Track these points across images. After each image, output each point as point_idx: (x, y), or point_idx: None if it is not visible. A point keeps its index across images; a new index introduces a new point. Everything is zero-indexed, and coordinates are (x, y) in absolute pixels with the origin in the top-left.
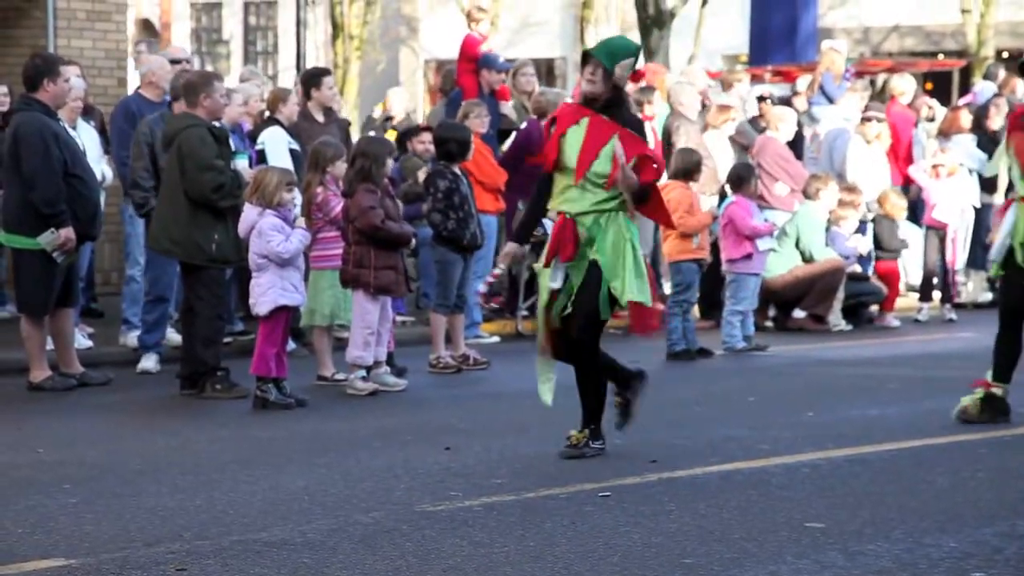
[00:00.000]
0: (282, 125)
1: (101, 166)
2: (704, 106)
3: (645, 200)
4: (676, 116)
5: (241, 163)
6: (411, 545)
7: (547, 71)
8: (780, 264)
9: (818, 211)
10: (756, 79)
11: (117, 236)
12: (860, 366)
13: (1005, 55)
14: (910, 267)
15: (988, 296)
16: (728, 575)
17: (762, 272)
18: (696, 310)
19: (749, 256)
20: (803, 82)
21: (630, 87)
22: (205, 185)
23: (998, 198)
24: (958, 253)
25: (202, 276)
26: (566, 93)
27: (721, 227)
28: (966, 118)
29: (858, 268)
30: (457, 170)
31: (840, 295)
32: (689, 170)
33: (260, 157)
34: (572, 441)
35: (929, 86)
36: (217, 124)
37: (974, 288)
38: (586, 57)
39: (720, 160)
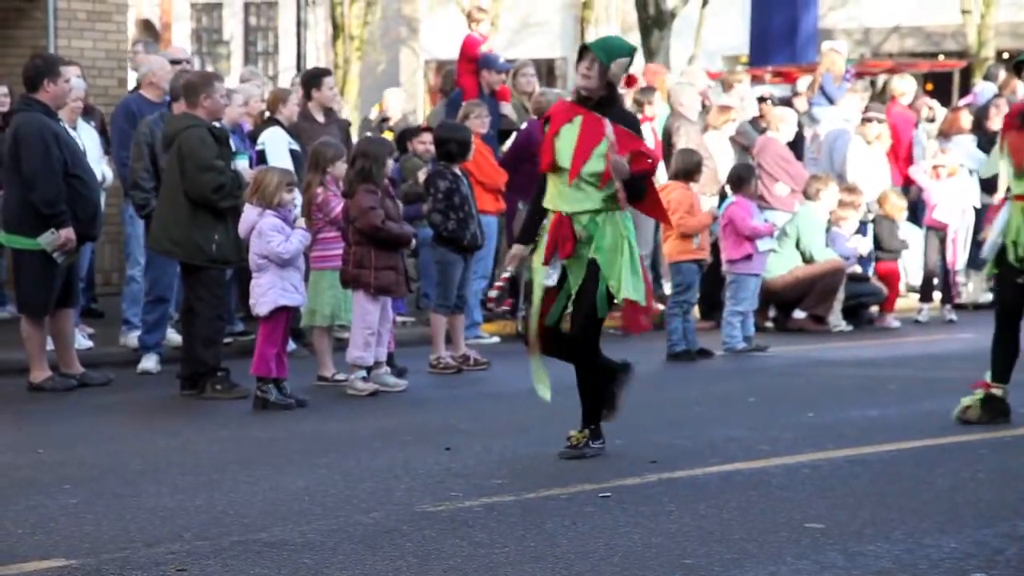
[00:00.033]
0: (282, 125)
1: (101, 166)
2: (704, 107)
3: (641, 196)
4: (676, 117)
5: (241, 163)
6: (411, 545)
7: (547, 71)
8: (780, 265)
9: (818, 212)
10: (756, 80)
11: (117, 236)
12: (860, 367)
13: (1005, 56)
14: (910, 268)
15: (988, 297)
16: (728, 575)
17: (762, 273)
18: (696, 311)
19: (749, 257)
20: (803, 83)
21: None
22: (205, 185)
23: (998, 199)
24: (958, 254)
25: (202, 276)
26: (566, 94)
27: (721, 228)
28: (966, 119)
29: (858, 269)
30: (457, 170)
31: (840, 296)
32: (689, 171)
33: (260, 157)
34: (572, 442)
35: (929, 87)
36: (217, 124)
37: (974, 289)
38: (583, 52)
39: (720, 161)
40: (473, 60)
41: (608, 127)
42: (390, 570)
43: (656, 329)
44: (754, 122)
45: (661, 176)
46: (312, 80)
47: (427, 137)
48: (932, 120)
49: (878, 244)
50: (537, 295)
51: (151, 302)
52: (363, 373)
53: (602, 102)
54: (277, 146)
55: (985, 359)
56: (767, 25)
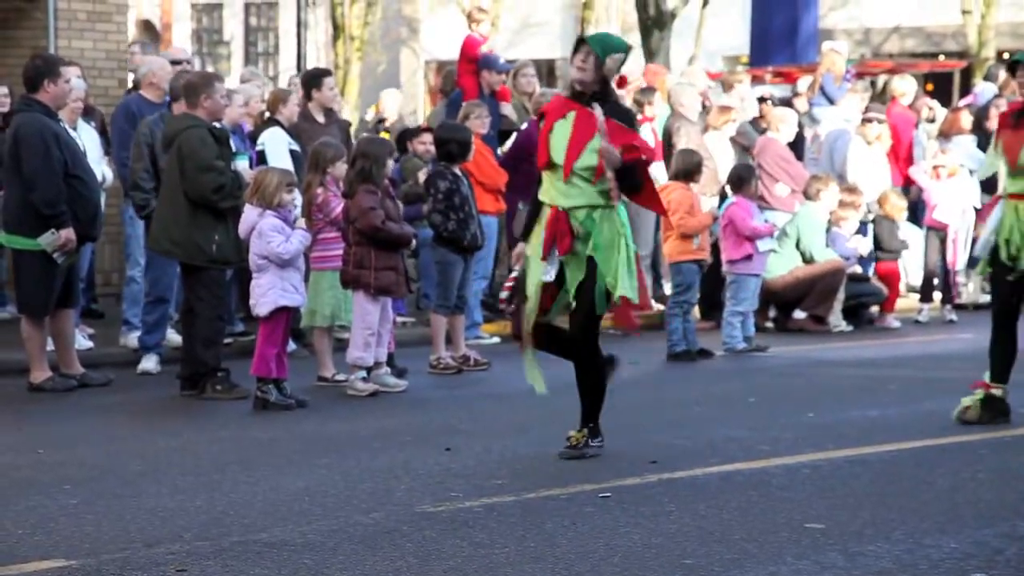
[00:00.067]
0: (282, 126)
1: (101, 167)
2: (704, 108)
3: (638, 189)
4: (677, 117)
5: (241, 164)
6: (411, 546)
7: (548, 72)
8: (780, 265)
9: (818, 212)
10: (757, 80)
11: (117, 237)
12: (860, 367)
13: (1006, 56)
14: (911, 268)
15: (988, 297)
16: (728, 575)
17: (762, 273)
18: (696, 311)
19: (749, 257)
20: (804, 83)
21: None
22: (205, 186)
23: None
24: (959, 254)
25: (202, 277)
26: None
27: (721, 228)
28: (966, 119)
29: (858, 269)
30: (457, 171)
31: (840, 296)
32: (690, 171)
33: (260, 158)
34: (572, 442)
35: (930, 87)
36: (217, 125)
37: (975, 289)
38: (579, 44)
39: (721, 161)
40: (473, 60)
41: (600, 119)
42: (390, 570)
43: (656, 329)
44: (754, 122)
45: (661, 176)
46: (312, 80)
47: (427, 137)
48: (932, 120)
49: (878, 244)
50: (533, 289)
51: (151, 303)
52: (363, 373)
53: (596, 96)
54: (277, 146)
55: (985, 359)
56: (767, 25)
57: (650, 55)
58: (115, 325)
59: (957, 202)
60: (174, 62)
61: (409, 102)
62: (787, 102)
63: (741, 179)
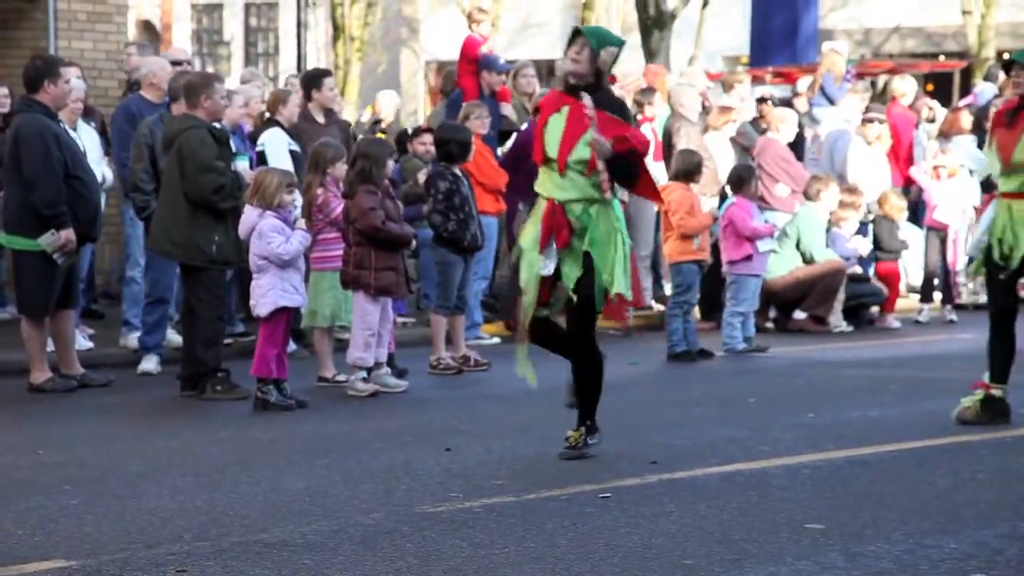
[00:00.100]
0: (282, 126)
1: (101, 167)
2: (704, 108)
3: (633, 181)
4: (677, 118)
5: (241, 164)
6: (411, 546)
7: (548, 72)
8: (781, 265)
9: (819, 212)
10: (757, 80)
11: (117, 238)
12: (861, 367)
13: (1006, 56)
14: (911, 268)
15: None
16: None
17: (763, 273)
18: (697, 311)
19: (749, 257)
20: (804, 83)
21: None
22: (205, 186)
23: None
24: (959, 254)
25: (202, 277)
26: None
27: (721, 228)
28: (967, 119)
29: (859, 269)
30: (458, 171)
31: (841, 296)
32: (690, 171)
33: (260, 158)
34: (571, 442)
35: (930, 87)
36: (217, 125)
37: (975, 289)
38: (574, 36)
39: (721, 161)
40: (473, 61)
41: (589, 109)
42: (390, 571)
43: (657, 330)
44: (754, 123)
45: (662, 177)
46: (312, 81)
47: (427, 138)
48: (932, 121)
49: (878, 244)
50: (529, 281)
51: (151, 303)
52: (363, 374)
53: (589, 89)
54: (277, 147)
55: (985, 359)
56: (767, 26)
57: (650, 55)
58: (115, 326)
59: (957, 202)
60: (174, 63)
61: (409, 102)
62: (787, 102)
63: (741, 179)
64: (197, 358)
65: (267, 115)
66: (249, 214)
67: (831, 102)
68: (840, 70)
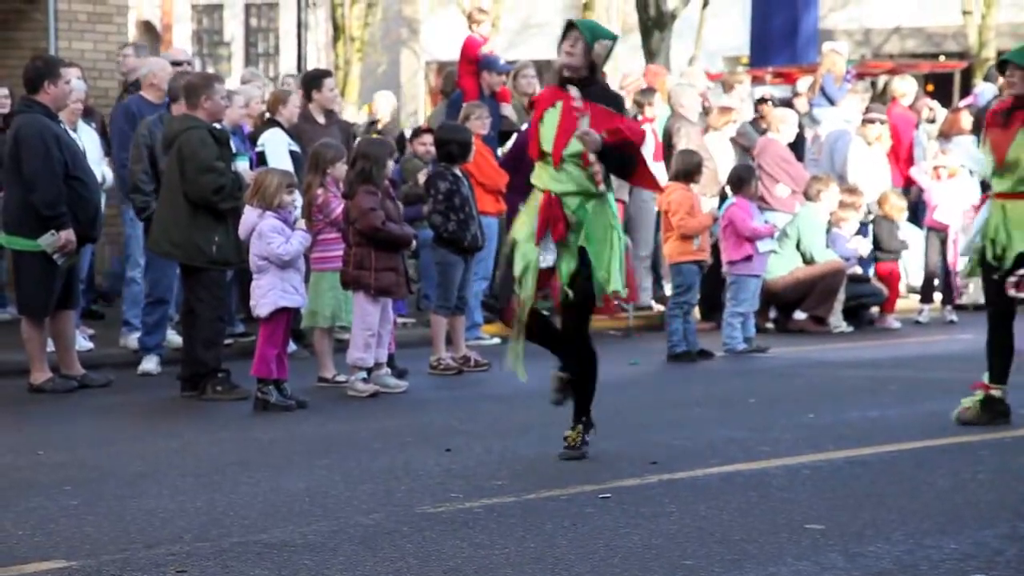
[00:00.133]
0: (282, 127)
1: (101, 168)
2: (705, 109)
3: (629, 173)
4: (677, 118)
5: (242, 165)
6: (411, 547)
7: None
8: (781, 266)
9: (819, 213)
10: (757, 80)
11: (117, 238)
12: (861, 368)
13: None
14: (911, 268)
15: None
16: None
17: (763, 274)
18: (697, 312)
19: (749, 258)
20: (804, 84)
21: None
22: (205, 187)
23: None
24: (959, 255)
25: (202, 278)
26: None
27: (721, 229)
28: (967, 119)
29: (859, 270)
30: (458, 172)
31: (841, 297)
32: (690, 172)
33: (260, 159)
34: (569, 442)
35: (930, 88)
36: (218, 126)
37: (975, 290)
38: (567, 29)
39: (721, 162)
40: (474, 61)
41: (576, 100)
42: (390, 571)
43: (657, 330)
44: (755, 123)
45: (662, 177)
46: (312, 81)
47: (427, 138)
48: (932, 121)
49: (878, 245)
50: (525, 273)
51: (151, 304)
52: (363, 374)
53: (584, 82)
54: (277, 147)
55: (985, 360)
56: (768, 26)
57: (650, 56)
58: (115, 326)
59: (957, 202)
60: (175, 63)
61: (410, 103)
62: (787, 103)
63: (741, 180)
64: (197, 358)
65: (267, 115)
66: (249, 215)
67: (831, 102)
68: (840, 70)
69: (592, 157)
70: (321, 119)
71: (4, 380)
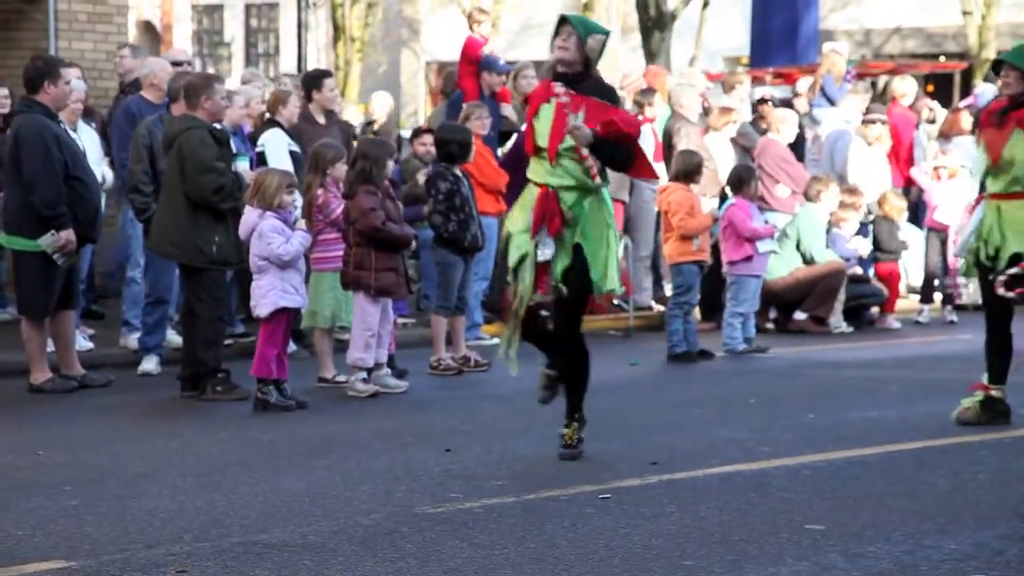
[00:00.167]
0: (282, 127)
1: (101, 168)
2: (705, 109)
3: (625, 165)
4: (677, 118)
5: (242, 165)
6: (411, 547)
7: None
8: (781, 266)
9: (819, 213)
10: (757, 81)
11: (113, 237)
12: (861, 368)
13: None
14: (911, 269)
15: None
16: None
17: (763, 274)
18: (697, 312)
19: (749, 258)
20: (804, 84)
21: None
22: (205, 187)
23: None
24: (954, 255)
25: (202, 278)
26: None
27: (721, 229)
28: (967, 120)
29: (859, 270)
30: (458, 172)
31: (841, 297)
32: (690, 172)
33: (260, 159)
34: (566, 441)
35: (930, 88)
36: (218, 126)
37: (975, 290)
38: (560, 24)
39: (721, 162)
40: (474, 62)
41: (560, 95)
42: (390, 571)
43: (657, 330)
44: (755, 123)
45: (662, 178)
46: (313, 82)
47: (427, 138)
48: (932, 121)
49: (877, 245)
50: (520, 265)
51: (151, 304)
52: (363, 374)
53: (579, 76)
54: (277, 148)
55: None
56: (768, 26)
57: (650, 56)
58: (115, 326)
59: (958, 203)
60: (175, 63)
61: (410, 103)
62: (787, 103)
63: (741, 180)
64: (197, 359)
65: (267, 116)
66: (249, 215)
67: (831, 103)
68: (840, 71)
69: (585, 151)
70: (321, 119)
71: (4, 380)
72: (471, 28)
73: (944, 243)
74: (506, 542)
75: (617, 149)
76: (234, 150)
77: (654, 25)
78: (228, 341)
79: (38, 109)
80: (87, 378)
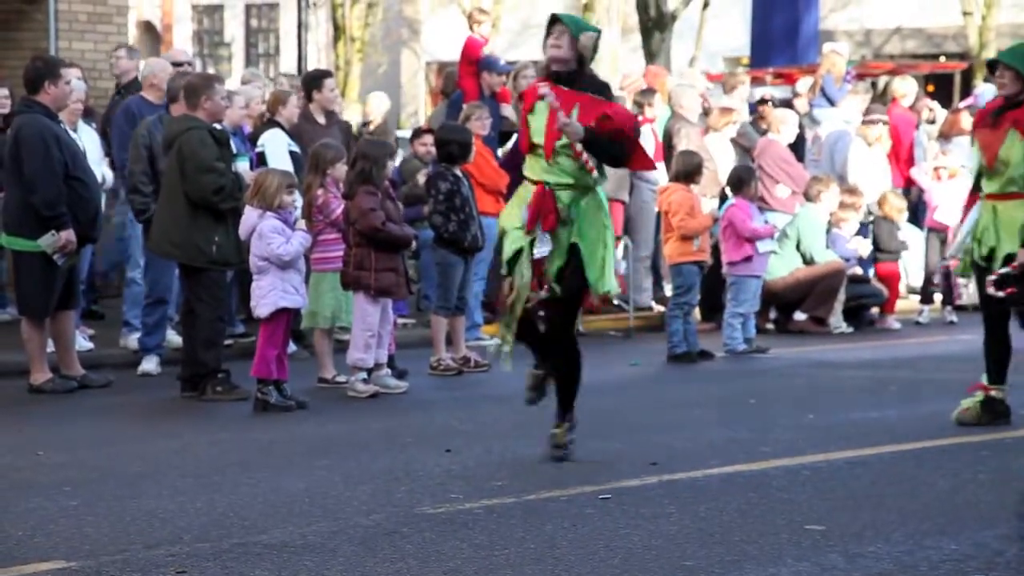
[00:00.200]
0: (282, 127)
1: (101, 168)
2: (704, 110)
3: (621, 160)
4: (677, 119)
5: (242, 165)
6: (411, 547)
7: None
8: (781, 266)
9: (819, 213)
10: (757, 81)
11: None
12: (861, 368)
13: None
14: (911, 269)
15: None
16: None
17: (763, 274)
18: (697, 312)
19: (749, 258)
20: (804, 84)
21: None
22: (206, 187)
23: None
24: (950, 255)
25: (203, 278)
26: None
27: (721, 229)
28: (967, 120)
29: (859, 270)
30: (458, 172)
31: (841, 297)
32: (690, 172)
33: (260, 159)
34: (557, 440)
35: (931, 88)
36: (218, 127)
37: (975, 290)
38: (551, 24)
39: (722, 162)
40: (474, 62)
41: (545, 94)
42: (390, 572)
43: (657, 331)
44: (755, 124)
45: (662, 178)
46: (313, 82)
47: (427, 139)
48: (933, 122)
49: (877, 245)
50: (515, 257)
51: (151, 304)
52: (363, 375)
53: (573, 74)
54: (277, 148)
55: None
56: (768, 26)
57: (651, 56)
58: (115, 326)
59: (958, 203)
60: (175, 64)
61: (410, 103)
62: (787, 103)
63: (741, 180)
64: (197, 359)
65: (267, 116)
66: (249, 215)
67: (831, 103)
68: (840, 71)
69: (579, 147)
70: (321, 119)
71: (4, 380)
72: (471, 28)
73: (944, 243)
74: (506, 543)
75: (611, 144)
76: (234, 150)
77: (654, 26)
78: (228, 341)
79: (38, 109)
80: (87, 378)
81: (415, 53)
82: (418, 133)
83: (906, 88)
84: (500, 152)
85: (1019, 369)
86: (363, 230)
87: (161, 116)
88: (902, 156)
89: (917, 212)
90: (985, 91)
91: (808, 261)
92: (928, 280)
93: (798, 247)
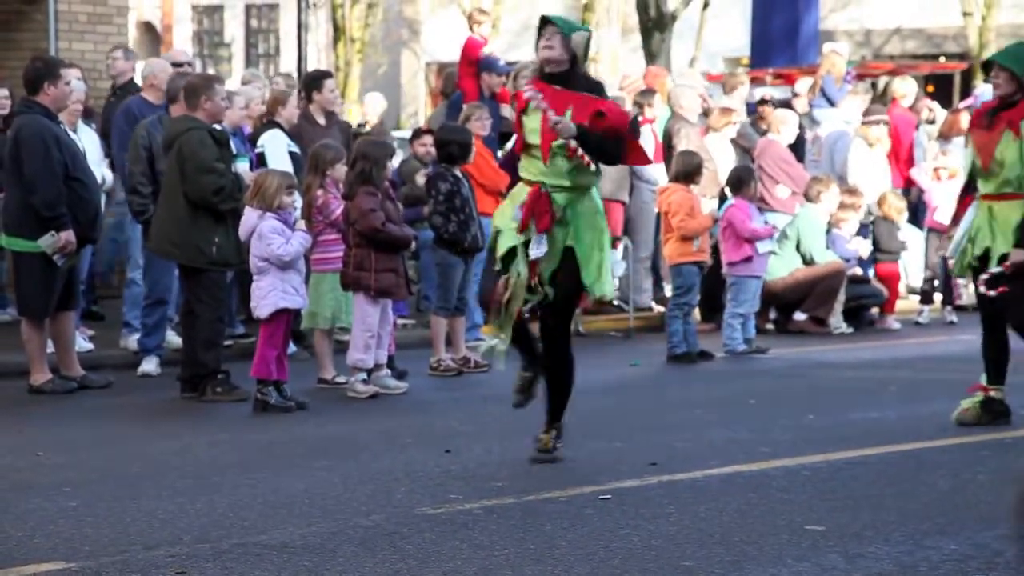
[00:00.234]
0: (282, 128)
1: (101, 169)
2: (704, 110)
3: (617, 158)
4: (677, 119)
5: (242, 166)
6: (411, 548)
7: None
8: (781, 267)
9: (819, 213)
10: (757, 82)
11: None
12: (861, 369)
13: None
14: (911, 269)
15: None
16: None
17: (763, 275)
18: (697, 313)
19: (749, 259)
20: (804, 84)
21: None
22: (205, 188)
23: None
24: (946, 255)
25: (202, 279)
26: None
27: (721, 230)
28: (966, 121)
29: (859, 271)
30: (458, 173)
31: (841, 297)
32: (690, 173)
33: (260, 160)
34: (542, 444)
35: (930, 89)
36: (218, 127)
37: (974, 291)
38: (542, 25)
39: (722, 163)
40: (474, 62)
41: (531, 94)
42: (390, 572)
43: (657, 331)
44: (755, 124)
45: (662, 178)
46: (313, 83)
47: (427, 139)
48: (932, 122)
49: (877, 246)
50: (510, 255)
51: (150, 305)
52: (363, 375)
53: (566, 75)
54: (276, 148)
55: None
56: (768, 27)
57: (651, 57)
58: (115, 327)
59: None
60: (175, 64)
61: (410, 104)
62: (787, 104)
63: (740, 181)
64: (197, 360)
65: (267, 117)
66: (249, 216)
67: (831, 103)
68: (840, 71)
69: (573, 144)
70: (321, 120)
71: (4, 381)
72: (471, 29)
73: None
74: (506, 543)
75: (606, 141)
76: (234, 151)
77: (654, 26)
78: (228, 342)
79: (38, 110)
80: (87, 379)
81: (415, 54)
82: (418, 134)
83: (906, 88)
84: (500, 153)
85: (1019, 369)
86: (363, 231)
87: (160, 117)
88: (902, 156)
89: (917, 212)
90: (985, 92)
91: (808, 261)
92: (928, 280)
93: (798, 247)
